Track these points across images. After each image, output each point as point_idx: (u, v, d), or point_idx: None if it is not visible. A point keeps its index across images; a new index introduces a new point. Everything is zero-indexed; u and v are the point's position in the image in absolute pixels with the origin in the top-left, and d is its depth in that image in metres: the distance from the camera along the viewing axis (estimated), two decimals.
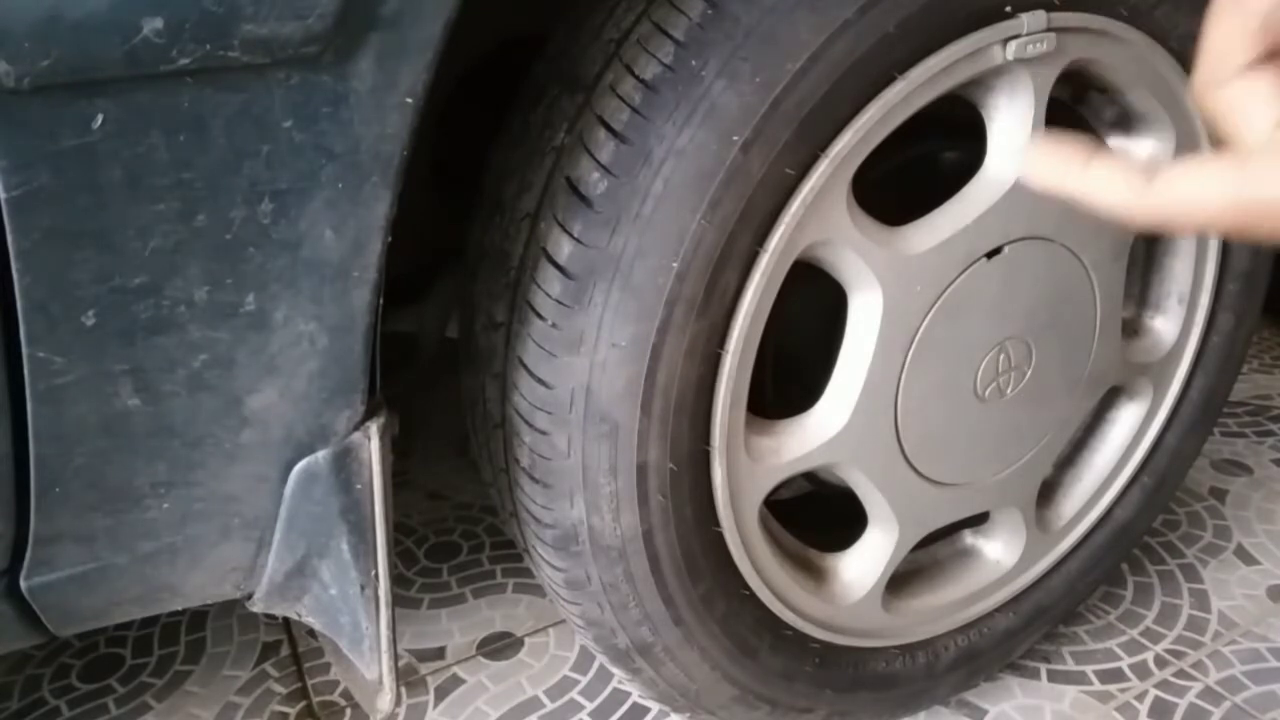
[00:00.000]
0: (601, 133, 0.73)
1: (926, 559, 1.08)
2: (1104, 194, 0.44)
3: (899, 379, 0.87)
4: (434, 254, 1.10)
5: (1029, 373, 0.95)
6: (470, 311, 0.86)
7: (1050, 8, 0.81)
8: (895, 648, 1.04)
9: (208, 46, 0.53)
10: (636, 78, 0.73)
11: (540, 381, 0.78)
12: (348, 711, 1.15)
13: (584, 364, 0.76)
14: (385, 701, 0.81)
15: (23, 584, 0.67)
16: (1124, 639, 1.26)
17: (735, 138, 0.72)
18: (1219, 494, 1.55)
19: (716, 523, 0.85)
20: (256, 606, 0.79)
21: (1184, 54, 0.93)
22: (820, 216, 0.78)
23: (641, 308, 0.74)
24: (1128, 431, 1.14)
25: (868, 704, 1.05)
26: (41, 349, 0.58)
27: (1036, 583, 1.12)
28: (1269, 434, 1.69)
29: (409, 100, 0.60)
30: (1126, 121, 0.98)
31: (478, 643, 1.25)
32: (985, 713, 1.15)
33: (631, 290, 0.74)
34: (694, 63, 0.71)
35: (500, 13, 0.91)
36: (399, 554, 1.41)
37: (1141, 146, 0.98)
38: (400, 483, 1.56)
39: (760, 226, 0.76)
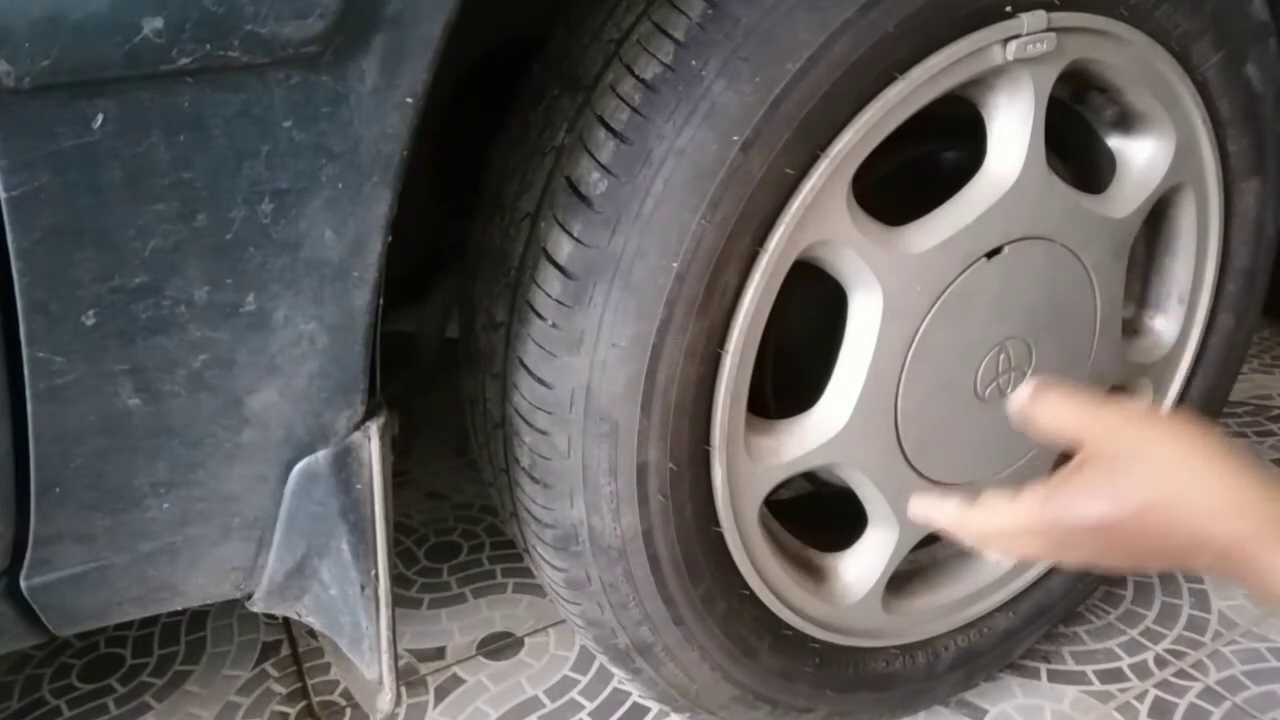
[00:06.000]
0: (601, 133, 0.73)
1: (926, 559, 1.08)
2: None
3: (899, 379, 0.87)
4: (434, 254, 1.10)
5: (1029, 373, 0.95)
6: (470, 311, 0.86)
7: (1050, 8, 0.81)
8: (895, 648, 1.04)
9: (208, 46, 0.53)
10: (636, 78, 0.73)
11: (540, 381, 0.78)
12: (348, 711, 1.15)
13: (584, 364, 0.76)
14: (385, 701, 0.81)
15: (23, 584, 0.67)
16: (1124, 639, 1.25)
17: (735, 138, 0.72)
18: None
19: (716, 523, 0.85)
20: (256, 606, 0.79)
21: (1184, 54, 0.93)
22: (820, 216, 0.78)
23: (641, 308, 0.74)
24: None
25: (868, 704, 1.05)
26: (41, 349, 0.58)
27: (1036, 583, 1.12)
28: (1269, 434, 1.69)
29: (409, 100, 0.60)
30: (1126, 121, 0.98)
31: (478, 643, 1.25)
32: (985, 713, 1.15)
33: (631, 290, 0.74)
34: (694, 63, 0.71)
35: (500, 13, 0.91)
36: (399, 554, 1.41)
37: (1141, 146, 0.98)
38: (400, 483, 1.56)
39: (760, 226, 0.76)
